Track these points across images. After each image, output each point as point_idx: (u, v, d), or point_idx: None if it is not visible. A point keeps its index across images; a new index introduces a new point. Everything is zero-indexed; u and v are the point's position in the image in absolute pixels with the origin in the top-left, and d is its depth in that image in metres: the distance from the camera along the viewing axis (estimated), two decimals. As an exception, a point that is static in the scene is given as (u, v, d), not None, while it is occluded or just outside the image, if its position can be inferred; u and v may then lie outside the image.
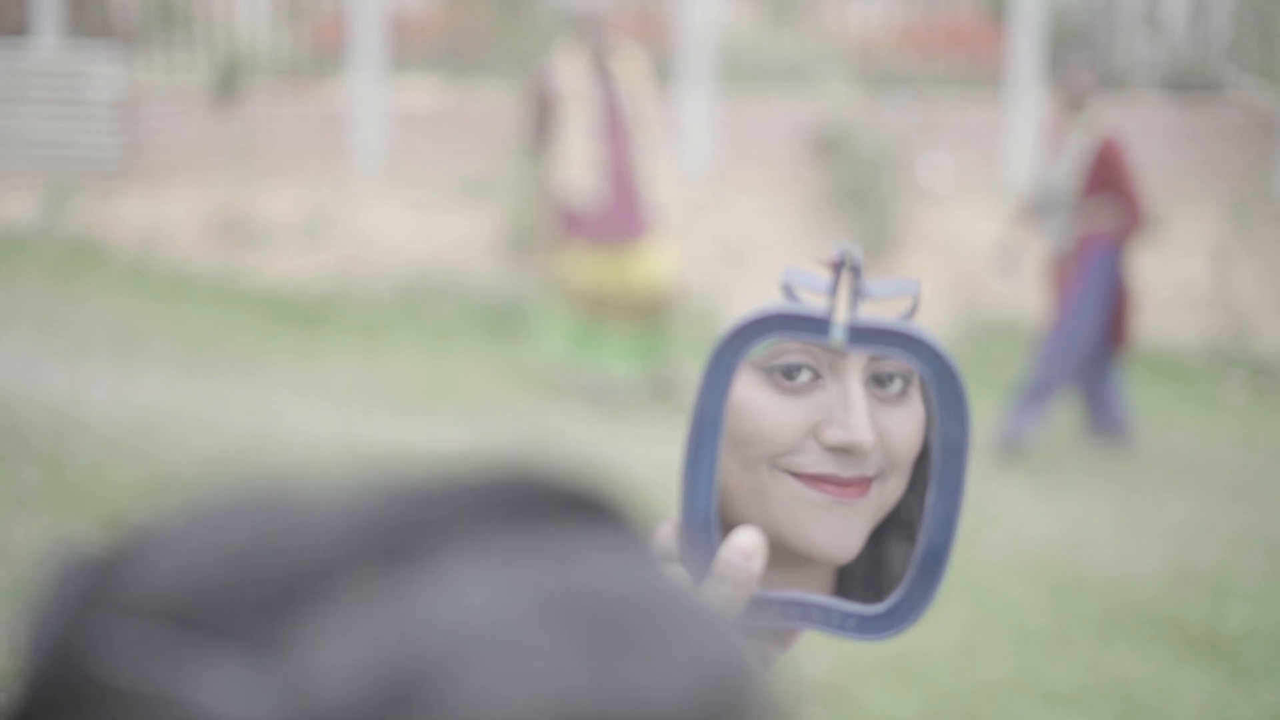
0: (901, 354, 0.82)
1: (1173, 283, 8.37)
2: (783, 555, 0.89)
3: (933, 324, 7.89)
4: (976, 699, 4.01)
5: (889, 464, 0.88)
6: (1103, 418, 6.34)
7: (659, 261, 6.91)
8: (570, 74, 6.75)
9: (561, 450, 0.39)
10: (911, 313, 0.86)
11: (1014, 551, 5.08)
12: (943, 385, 0.82)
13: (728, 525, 0.89)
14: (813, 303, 0.83)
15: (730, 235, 8.57)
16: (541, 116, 6.82)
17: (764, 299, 0.84)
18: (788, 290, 0.85)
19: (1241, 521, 5.47)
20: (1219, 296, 8.19)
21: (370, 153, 9.87)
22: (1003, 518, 5.45)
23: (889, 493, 0.89)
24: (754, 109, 9.50)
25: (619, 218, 6.77)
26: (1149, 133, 9.43)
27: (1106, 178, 6.10)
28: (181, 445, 5.84)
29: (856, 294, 0.82)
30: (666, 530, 0.82)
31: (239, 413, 6.41)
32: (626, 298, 6.85)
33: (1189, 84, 9.72)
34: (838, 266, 0.82)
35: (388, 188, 9.67)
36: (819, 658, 4.15)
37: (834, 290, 0.82)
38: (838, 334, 0.82)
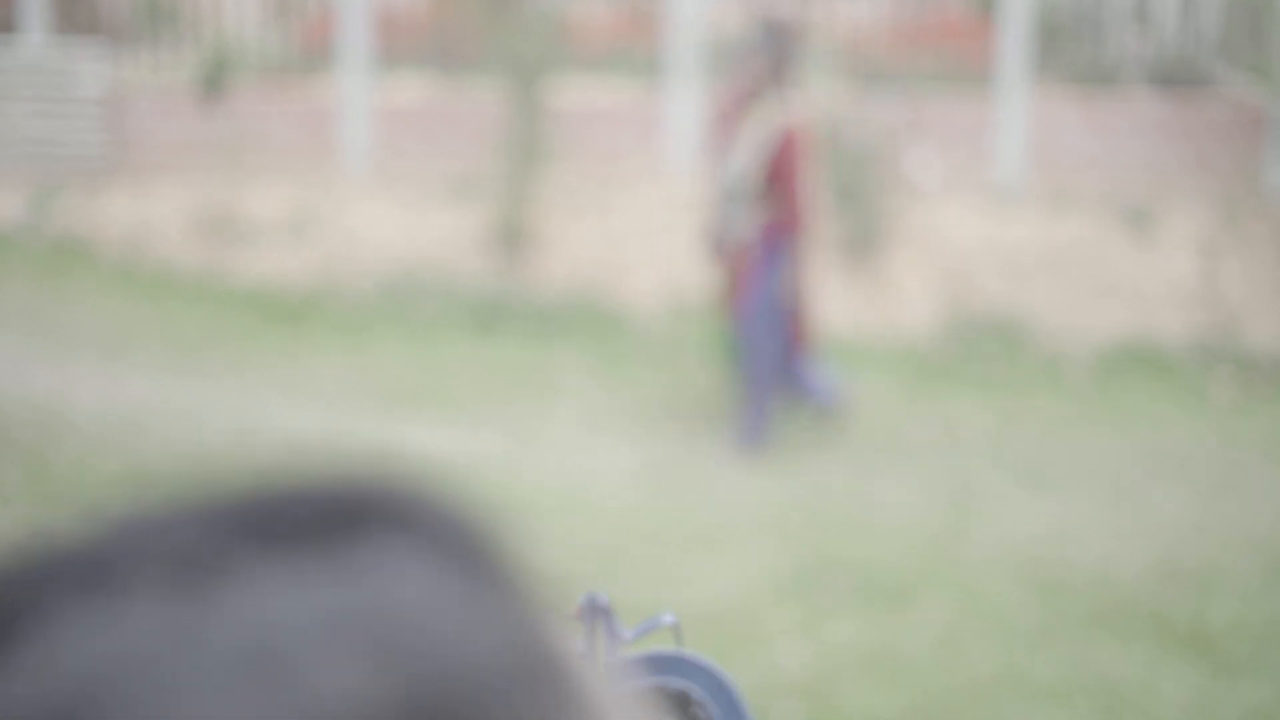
0: (675, 679, 0.84)
1: (1161, 278, 8.37)
2: None
3: (919, 321, 7.86)
4: (961, 695, 4.00)
5: None
6: (813, 398, 6.23)
7: None
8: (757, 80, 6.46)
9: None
10: (678, 641, 0.88)
11: (999, 548, 5.08)
12: (721, 703, 0.84)
13: None
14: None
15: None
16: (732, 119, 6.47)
17: None
18: None
19: (1228, 518, 5.47)
20: (1207, 292, 8.19)
21: (357, 150, 9.86)
22: (988, 514, 5.44)
23: None
24: (742, 106, 9.49)
25: None
26: (1138, 128, 9.43)
27: (781, 169, 5.99)
28: (167, 442, 5.83)
29: (611, 637, 0.85)
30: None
31: (225, 410, 6.40)
32: None
33: (1178, 79, 9.72)
34: (585, 615, 0.85)
35: (375, 185, 9.66)
36: (797, 653, 4.14)
37: (589, 641, 0.85)
38: None
